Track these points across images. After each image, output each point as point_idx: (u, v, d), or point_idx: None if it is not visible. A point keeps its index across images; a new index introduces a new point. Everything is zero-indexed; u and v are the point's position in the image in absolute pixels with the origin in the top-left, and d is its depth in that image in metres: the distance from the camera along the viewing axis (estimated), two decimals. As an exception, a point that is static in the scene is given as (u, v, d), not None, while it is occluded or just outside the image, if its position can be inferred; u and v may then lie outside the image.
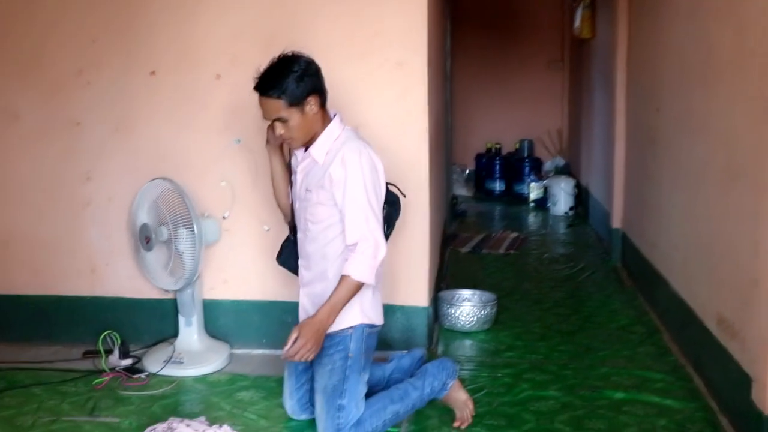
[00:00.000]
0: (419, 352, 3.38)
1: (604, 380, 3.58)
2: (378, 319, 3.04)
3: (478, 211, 8.99)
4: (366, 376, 2.98)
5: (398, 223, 3.76)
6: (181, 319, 3.86)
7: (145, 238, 3.68)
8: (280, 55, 2.89)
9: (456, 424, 3.11)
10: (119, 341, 3.82)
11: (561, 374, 3.67)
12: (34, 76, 3.97)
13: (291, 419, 3.17)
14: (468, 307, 4.36)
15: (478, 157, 10.39)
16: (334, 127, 2.96)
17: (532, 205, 9.24)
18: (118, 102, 3.93)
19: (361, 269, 2.83)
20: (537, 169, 9.77)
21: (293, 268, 3.25)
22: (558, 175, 9.08)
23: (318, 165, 2.94)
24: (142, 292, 4.03)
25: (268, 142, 3.15)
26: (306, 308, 3.07)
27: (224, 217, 3.91)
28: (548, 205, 8.76)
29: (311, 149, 2.96)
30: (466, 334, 4.30)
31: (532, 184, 9.34)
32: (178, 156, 3.91)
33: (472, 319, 4.31)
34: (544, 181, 9.17)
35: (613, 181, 6.04)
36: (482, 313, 4.34)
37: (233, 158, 3.87)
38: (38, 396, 3.45)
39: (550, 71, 10.48)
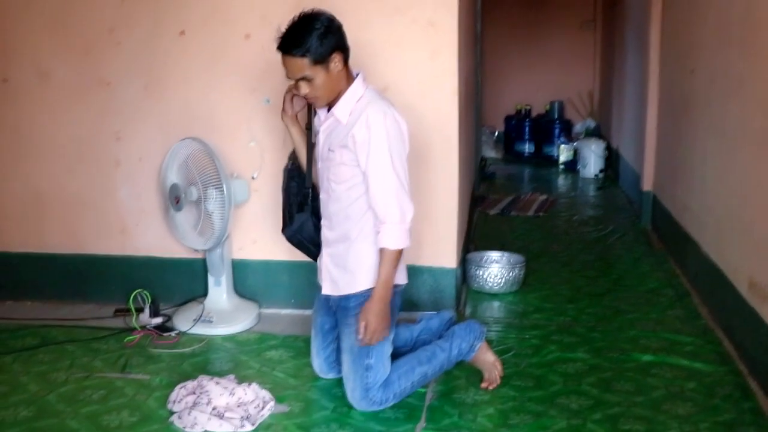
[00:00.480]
0: (448, 314, 3.38)
1: (633, 343, 3.57)
2: (401, 279, 3.04)
3: (507, 173, 8.96)
4: (392, 336, 2.99)
5: (428, 184, 3.76)
6: (211, 279, 3.89)
7: (174, 198, 3.70)
8: (301, 13, 2.83)
9: (484, 385, 3.12)
10: (150, 300, 3.86)
11: (589, 336, 3.66)
12: (66, 36, 3.98)
13: (319, 378, 3.20)
14: (496, 269, 4.35)
15: (508, 119, 10.33)
16: (357, 87, 2.91)
17: (561, 167, 9.19)
18: (148, 62, 3.93)
19: (395, 237, 2.83)
20: (567, 131, 9.69)
21: (310, 238, 3.19)
22: (588, 137, 9.00)
23: (341, 125, 2.90)
24: (172, 251, 4.07)
25: (284, 111, 3.11)
26: (328, 268, 3.05)
27: (253, 178, 3.92)
28: (578, 167, 8.70)
29: (334, 109, 2.91)
30: (494, 295, 4.30)
31: (562, 146, 9.27)
32: (208, 116, 3.91)
33: (500, 280, 4.30)
34: (574, 143, 9.09)
35: (645, 143, 5.98)
36: (510, 274, 4.33)
37: (263, 118, 3.87)
38: (71, 353, 3.51)
39: (582, 32, 10.34)
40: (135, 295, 3.83)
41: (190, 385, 2.99)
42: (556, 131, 9.70)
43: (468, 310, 4.07)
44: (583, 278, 4.64)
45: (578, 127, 9.82)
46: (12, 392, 3.09)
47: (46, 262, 4.19)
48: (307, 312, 3.89)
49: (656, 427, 2.75)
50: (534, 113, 10.25)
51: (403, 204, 2.84)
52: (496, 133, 10.50)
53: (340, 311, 3.00)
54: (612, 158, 8.46)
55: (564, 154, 9.22)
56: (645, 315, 3.96)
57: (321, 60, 2.78)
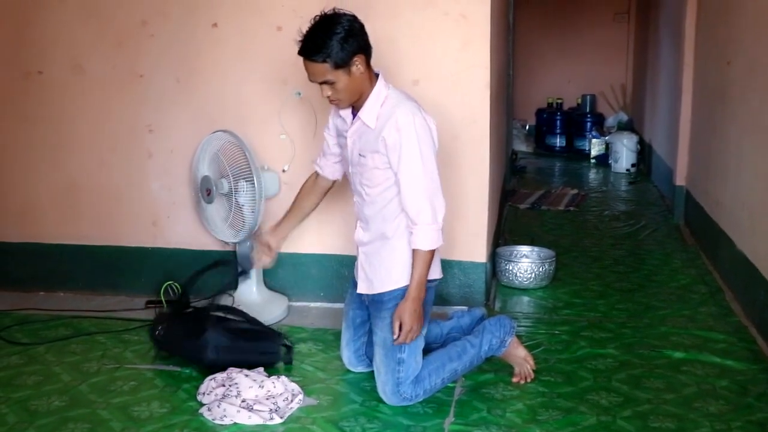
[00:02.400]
0: (479, 311, 3.36)
1: (664, 339, 3.54)
2: (436, 273, 3.03)
3: (537, 167, 8.90)
4: (425, 331, 2.98)
5: (458, 177, 3.75)
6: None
7: (205, 191, 3.72)
8: (321, 15, 2.78)
9: (516, 380, 3.11)
10: (180, 292, 3.89)
11: (619, 332, 3.63)
12: (99, 29, 4.01)
13: (348, 371, 3.20)
14: (526, 264, 4.33)
15: (539, 112, 10.26)
16: (380, 89, 2.85)
17: (593, 161, 9.11)
18: (180, 54, 3.95)
19: (428, 238, 2.82)
20: (599, 125, 9.60)
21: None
22: (620, 131, 8.91)
23: (370, 129, 2.86)
24: (202, 244, 4.09)
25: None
26: (363, 267, 3.04)
27: (284, 170, 3.92)
28: (610, 161, 8.62)
29: (361, 114, 2.87)
30: (524, 290, 4.27)
31: (594, 140, 9.19)
32: (239, 108, 3.93)
33: (530, 275, 4.28)
34: (606, 137, 9.01)
35: (678, 137, 5.91)
36: (540, 269, 4.31)
37: (293, 111, 3.87)
38: (103, 344, 3.55)
39: (615, 24, 10.23)
40: (166, 287, 3.86)
41: (220, 377, 3.01)
42: (588, 125, 9.61)
43: (497, 305, 4.06)
44: (613, 274, 4.61)
45: (610, 121, 9.74)
46: (45, 382, 3.13)
47: (78, 254, 4.24)
48: (336, 305, 3.90)
49: (687, 425, 2.72)
50: (566, 106, 10.17)
51: (435, 204, 2.84)
52: (527, 127, 10.44)
53: (374, 305, 3.00)
54: (644, 152, 8.37)
55: (595, 147, 9.14)
56: (677, 311, 3.92)
57: (343, 64, 2.73)
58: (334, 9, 2.79)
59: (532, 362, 3.15)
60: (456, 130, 3.73)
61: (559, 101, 10.19)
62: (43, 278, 4.27)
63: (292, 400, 2.89)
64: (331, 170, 3.18)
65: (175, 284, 3.89)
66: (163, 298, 3.83)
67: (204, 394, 2.94)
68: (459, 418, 2.81)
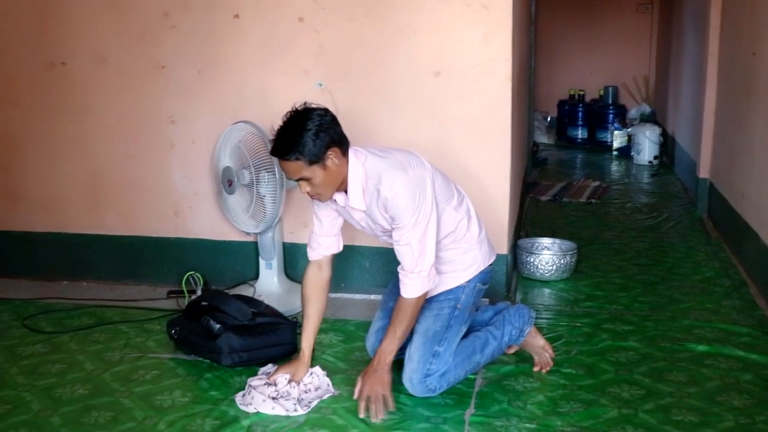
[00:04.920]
0: (502, 305, 3.35)
1: (687, 333, 3.51)
2: (492, 257, 3.09)
3: (559, 159, 8.86)
4: (466, 328, 3.00)
5: (480, 169, 3.74)
6: (262, 262, 3.93)
7: (227, 181, 3.74)
8: (291, 112, 2.73)
9: (536, 369, 3.12)
10: (202, 282, 3.91)
11: (641, 325, 3.61)
12: (121, 20, 4.03)
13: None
14: (547, 256, 4.31)
15: (561, 104, 10.21)
16: (354, 169, 2.77)
17: (615, 153, 9.06)
18: (202, 45, 3.96)
19: (419, 286, 2.79)
20: (621, 117, 9.54)
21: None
22: (643, 123, 8.85)
23: (365, 210, 2.84)
24: (223, 234, 4.11)
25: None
26: None
27: (305, 162, 3.92)
28: (632, 153, 8.56)
29: (349, 202, 2.82)
30: (545, 282, 4.26)
31: (616, 132, 9.14)
32: (261, 99, 3.93)
33: (551, 267, 4.26)
34: (629, 129, 8.95)
35: (702, 128, 5.86)
36: (562, 262, 4.29)
37: (315, 102, 3.85)
38: (125, 333, 3.57)
39: (638, 14, 10.17)
40: (187, 277, 3.88)
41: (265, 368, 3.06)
42: (610, 116, 9.55)
43: (518, 297, 4.04)
44: (636, 266, 4.58)
45: (633, 113, 9.67)
46: (69, 370, 3.16)
47: (101, 243, 4.27)
48: (357, 296, 3.91)
49: (710, 419, 2.70)
50: (588, 98, 10.11)
51: (425, 256, 2.78)
52: (549, 118, 10.39)
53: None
54: (667, 144, 8.31)
55: (618, 139, 9.09)
56: (700, 305, 3.89)
57: (316, 160, 2.67)
58: (304, 104, 2.75)
59: (551, 351, 3.16)
60: (477, 122, 3.71)
61: (581, 93, 10.14)
62: (67, 268, 4.31)
63: (323, 395, 2.90)
64: (335, 243, 3.04)
65: (197, 274, 3.91)
66: (184, 288, 3.85)
67: (251, 379, 2.96)
68: (480, 410, 2.80)
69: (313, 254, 3.02)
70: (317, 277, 3.02)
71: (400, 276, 2.80)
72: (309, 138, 2.64)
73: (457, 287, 2.98)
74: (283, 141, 2.67)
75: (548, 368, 3.12)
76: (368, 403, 2.74)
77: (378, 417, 2.71)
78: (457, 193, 2.99)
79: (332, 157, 2.69)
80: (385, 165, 2.76)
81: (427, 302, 2.97)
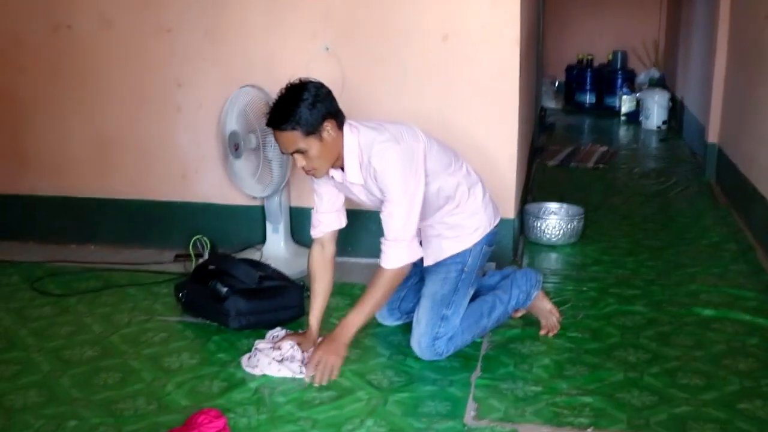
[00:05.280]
0: (509, 270, 3.35)
1: (693, 297, 3.51)
2: (497, 218, 3.08)
3: (567, 124, 8.83)
4: (473, 290, 3.01)
5: (487, 133, 3.73)
6: (269, 226, 3.93)
7: (234, 146, 3.73)
8: (287, 85, 2.71)
9: (543, 332, 3.13)
10: (209, 246, 3.92)
11: (648, 290, 3.61)
12: (126, -18, 4.00)
13: (376, 325, 3.21)
14: (554, 221, 4.30)
15: (569, 69, 10.14)
16: (349, 142, 2.76)
17: (623, 118, 9.02)
18: (208, 8, 3.93)
19: (400, 256, 2.76)
20: (630, 81, 9.48)
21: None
22: (652, 88, 8.79)
23: (363, 184, 2.83)
24: (230, 198, 4.11)
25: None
26: (428, 243, 3.00)
27: (311, 126, 3.91)
28: (640, 118, 8.52)
29: (347, 176, 2.81)
30: (552, 247, 4.26)
31: (624, 97, 9.09)
32: (267, 63, 3.91)
33: (558, 232, 4.26)
34: (637, 94, 8.90)
35: (711, 93, 5.81)
36: (569, 226, 4.28)
37: (321, 65, 3.84)
38: (133, 296, 3.59)
39: (648, -23, 10.05)
40: (194, 241, 3.89)
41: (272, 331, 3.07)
42: (619, 81, 9.49)
43: (525, 262, 4.05)
44: (643, 231, 4.57)
45: (642, 77, 9.60)
46: (77, 332, 3.18)
47: (108, 207, 4.28)
48: (363, 260, 3.92)
49: (716, 382, 2.71)
50: (596, 63, 10.04)
51: (408, 226, 2.75)
52: (557, 83, 10.33)
53: (433, 265, 3.02)
54: (676, 109, 8.25)
55: (626, 104, 9.04)
56: (706, 269, 3.89)
57: (313, 131, 2.65)
58: (299, 79, 2.73)
59: (558, 315, 3.17)
60: (485, 86, 3.69)
61: (589, 57, 10.06)
62: (75, 231, 4.33)
63: None
64: (337, 219, 3.01)
65: (204, 238, 3.92)
66: (191, 252, 3.86)
67: (257, 342, 2.98)
68: (486, 373, 2.82)
69: (315, 232, 3.00)
70: (320, 255, 3.01)
71: (382, 246, 2.76)
72: (305, 108, 2.63)
73: (464, 251, 2.97)
74: (279, 111, 2.66)
75: (555, 332, 3.13)
76: (316, 368, 2.72)
77: (321, 383, 2.70)
78: (455, 159, 2.98)
79: (328, 128, 2.68)
80: (378, 136, 2.74)
81: (434, 266, 2.98)
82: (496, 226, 3.09)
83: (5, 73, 4.24)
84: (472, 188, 2.99)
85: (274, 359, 2.82)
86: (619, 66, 9.69)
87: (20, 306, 3.46)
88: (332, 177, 2.84)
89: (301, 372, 2.78)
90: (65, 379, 2.77)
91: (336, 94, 3.77)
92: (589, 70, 9.88)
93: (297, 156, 2.70)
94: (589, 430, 2.42)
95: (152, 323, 3.28)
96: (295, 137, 2.65)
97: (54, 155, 4.29)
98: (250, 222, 4.12)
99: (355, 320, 2.80)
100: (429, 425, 2.46)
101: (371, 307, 2.81)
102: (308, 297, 3.23)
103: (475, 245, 2.99)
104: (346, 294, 3.57)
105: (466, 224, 2.99)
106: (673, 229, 4.61)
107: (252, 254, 3.88)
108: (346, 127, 2.77)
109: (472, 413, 2.53)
